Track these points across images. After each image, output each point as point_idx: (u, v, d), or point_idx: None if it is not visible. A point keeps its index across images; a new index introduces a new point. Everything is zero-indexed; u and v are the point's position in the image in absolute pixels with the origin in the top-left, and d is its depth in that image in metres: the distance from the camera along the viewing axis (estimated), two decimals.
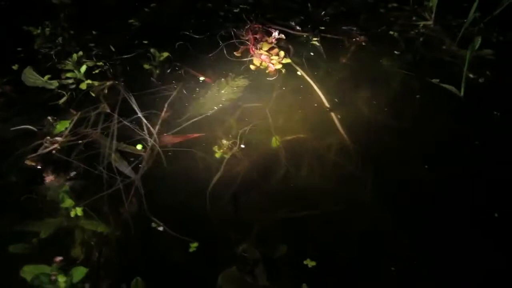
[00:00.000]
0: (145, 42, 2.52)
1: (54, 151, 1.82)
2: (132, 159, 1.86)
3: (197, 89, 2.32)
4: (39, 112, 2.00)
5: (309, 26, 2.76)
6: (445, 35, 2.69)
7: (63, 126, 1.88)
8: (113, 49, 2.41)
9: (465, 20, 2.56)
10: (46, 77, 2.13)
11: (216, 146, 2.01)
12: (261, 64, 2.46)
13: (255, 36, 2.62)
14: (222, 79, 2.36)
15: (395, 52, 2.60)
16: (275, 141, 2.05)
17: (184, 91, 2.29)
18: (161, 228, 1.62)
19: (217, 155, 1.98)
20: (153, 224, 1.64)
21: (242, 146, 2.02)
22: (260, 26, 2.69)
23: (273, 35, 2.56)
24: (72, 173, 1.76)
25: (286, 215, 1.73)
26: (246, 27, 2.69)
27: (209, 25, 2.76)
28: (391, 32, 2.76)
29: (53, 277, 1.40)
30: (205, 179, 1.84)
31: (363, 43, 2.65)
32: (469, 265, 1.57)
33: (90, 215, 1.64)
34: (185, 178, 1.84)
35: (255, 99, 2.27)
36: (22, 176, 1.80)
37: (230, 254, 1.55)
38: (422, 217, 1.73)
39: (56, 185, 1.70)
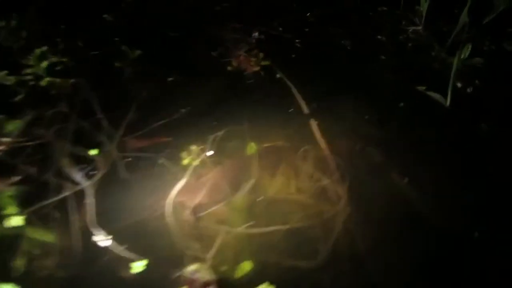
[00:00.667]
0: (117, 39, 2.37)
1: None
2: (85, 165, 1.71)
3: (169, 89, 2.18)
4: None
5: (292, 27, 2.63)
6: (435, 41, 2.56)
7: (14, 126, 1.73)
8: (81, 45, 2.26)
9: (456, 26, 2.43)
10: (4, 72, 1.98)
11: (184, 152, 1.87)
12: (239, 65, 2.33)
13: (235, 36, 2.48)
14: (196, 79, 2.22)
15: (382, 57, 2.47)
16: (250, 148, 1.92)
17: (155, 91, 2.15)
18: (107, 242, 1.47)
19: (184, 162, 1.84)
20: (100, 237, 1.49)
21: (212, 152, 1.89)
22: (241, 25, 2.56)
23: (253, 35, 2.43)
24: (16, 178, 1.61)
25: (251, 230, 1.59)
26: (227, 25, 2.55)
27: (189, 23, 2.62)
28: (379, 37, 2.63)
29: None
30: (165, 189, 1.70)
31: (348, 47, 2.52)
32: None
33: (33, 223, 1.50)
34: (143, 187, 1.70)
35: (230, 101, 2.14)
36: None
37: (181, 274, 1.40)
38: (398, 233, 1.60)
39: None
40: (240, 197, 1.74)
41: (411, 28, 2.71)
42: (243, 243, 1.59)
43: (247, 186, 1.79)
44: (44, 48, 2.13)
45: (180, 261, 1.46)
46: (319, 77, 2.31)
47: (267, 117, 2.08)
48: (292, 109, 2.13)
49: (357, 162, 1.87)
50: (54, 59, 2.12)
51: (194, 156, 1.88)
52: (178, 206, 1.69)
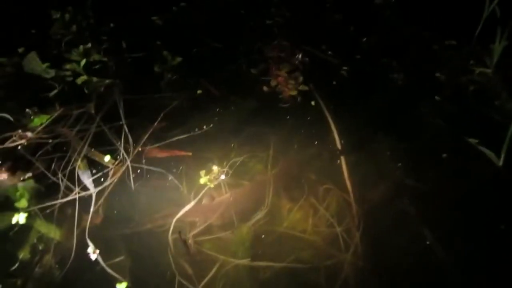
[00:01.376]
0: (159, 43, 2.36)
1: (19, 147, 1.70)
2: (96, 170, 1.70)
3: (201, 102, 2.12)
4: (25, 102, 1.90)
5: (343, 52, 2.45)
6: (503, 88, 2.24)
7: (40, 120, 1.76)
8: (124, 46, 2.27)
9: None
10: (46, 64, 2.04)
11: (202, 171, 1.80)
12: (276, 86, 2.21)
13: (279, 54, 2.37)
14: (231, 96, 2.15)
15: (436, 97, 2.21)
16: (269, 177, 1.82)
17: (185, 102, 2.11)
18: (94, 256, 1.44)
19: (201, 181, 1.78)
20: (89, 249, 1.47)
21: (229, 176, 1.81)
22: (289, 43, 2.43)
23: (297, 56, 2.30)
24: (29, 174, 1.63)
25: (251, 263, 1.51)
26: (274, 42, 2.44)
27: (235, 35, 2.54)
28: (438, 74, 2.36)
29: None
30: (172, 207, 1.63)
31: (400, 82, 2.29)
32: None
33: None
34: (149, 202, 1.64)
35: (259, 125, 2.03)
36: None
37: None
38: None
39: (7, 184, 1.57)
40: (248, 227, 1.65)
41: (478, 69, 2.40)
42: (239, 276, 1.50)
43: (258, 216, 1.69)
44: (88, 45, 2.17)
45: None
46: (360, 111, 2.12)
47: (294, 147, 1.95)
48: (323, 142, 1.98)
49: (380, 213, 1.68)
50: (96, 57, 2.15)
51: (211, 177, 1.81)
52: (184, 226, 1.63)
